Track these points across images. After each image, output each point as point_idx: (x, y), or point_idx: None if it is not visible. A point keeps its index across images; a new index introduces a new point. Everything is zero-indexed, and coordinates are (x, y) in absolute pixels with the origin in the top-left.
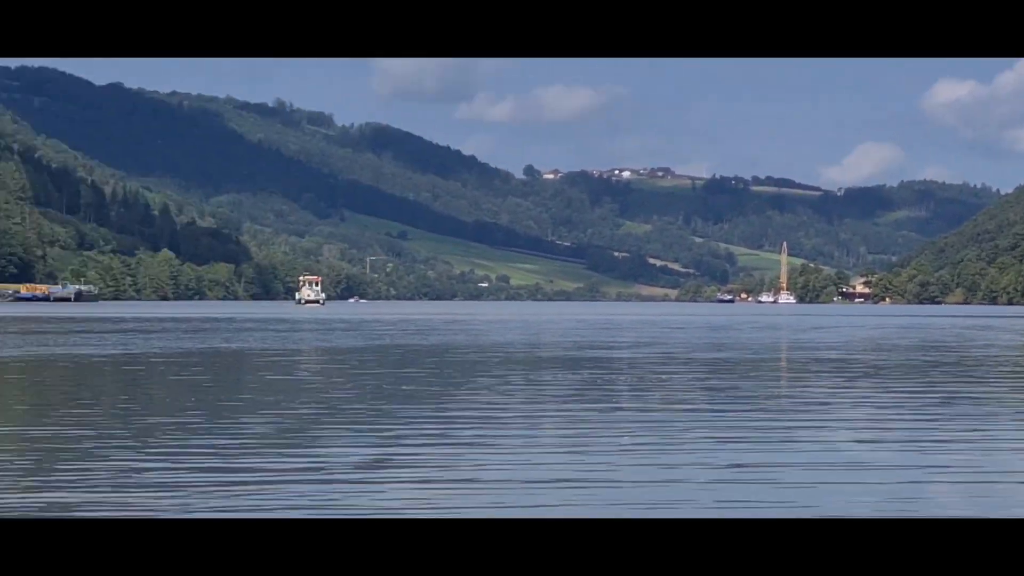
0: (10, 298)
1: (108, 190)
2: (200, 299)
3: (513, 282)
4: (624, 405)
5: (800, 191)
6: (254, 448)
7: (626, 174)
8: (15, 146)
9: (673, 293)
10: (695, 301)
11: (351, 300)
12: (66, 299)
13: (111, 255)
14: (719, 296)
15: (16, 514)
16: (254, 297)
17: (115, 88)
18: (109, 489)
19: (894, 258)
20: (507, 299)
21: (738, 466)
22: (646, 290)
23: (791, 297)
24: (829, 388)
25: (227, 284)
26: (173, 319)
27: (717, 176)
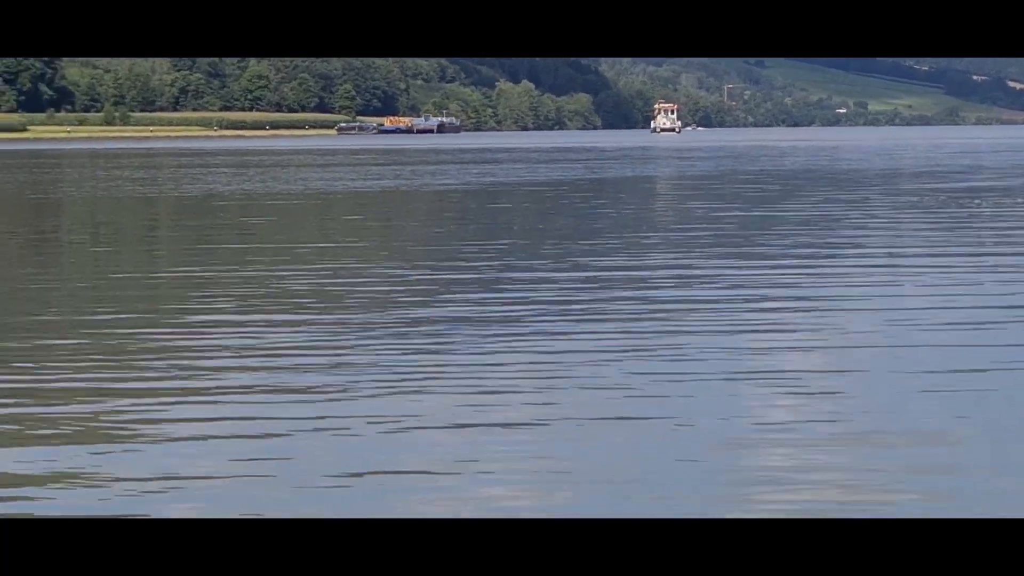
0: (374, 131)
1: None
2: (560, 129)
3: (871, 108)
4: None
5: None
6: None
7: None
8: None
9: None
10: None
11: (688, 128)
12: (429, 131)
13: (472, 87)
14: None
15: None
16: (611, 126)
17: None
18: None
19: None
20: (865, 125)
21: None
22: (1006, 114)
23: None
24: None
25: (586, 114)
26: (565, 148)
27: None
